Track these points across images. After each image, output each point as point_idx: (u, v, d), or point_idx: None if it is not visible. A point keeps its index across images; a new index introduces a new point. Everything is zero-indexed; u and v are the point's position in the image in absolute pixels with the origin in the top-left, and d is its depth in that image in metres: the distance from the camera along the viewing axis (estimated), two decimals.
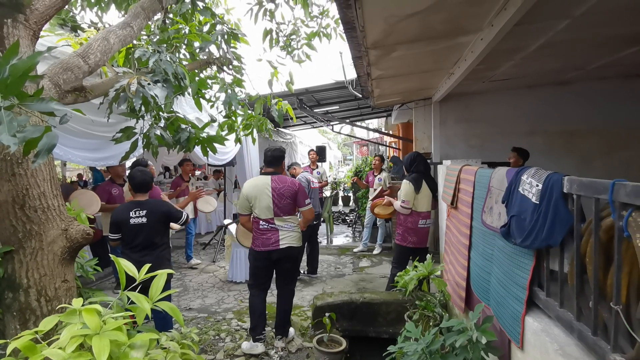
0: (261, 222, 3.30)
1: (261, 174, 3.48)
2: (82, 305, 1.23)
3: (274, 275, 3.48)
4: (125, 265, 1.40)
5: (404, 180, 4.05)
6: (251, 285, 3.48)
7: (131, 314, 1.38)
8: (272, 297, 3.70)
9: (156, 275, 1.48)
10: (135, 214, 3.03)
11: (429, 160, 4.85)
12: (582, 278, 1.44)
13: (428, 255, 3.22)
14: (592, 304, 1.34)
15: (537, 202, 1.62)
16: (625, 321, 1.17)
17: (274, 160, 3.43)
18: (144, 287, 1.50)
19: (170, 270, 1.61)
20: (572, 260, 1.49)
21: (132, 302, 1.37)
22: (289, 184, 3.33)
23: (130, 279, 1.41)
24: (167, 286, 2.63)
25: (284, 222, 3.31)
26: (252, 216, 3.39)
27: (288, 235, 3.31)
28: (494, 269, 2.13)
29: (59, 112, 1.31)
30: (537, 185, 1.64)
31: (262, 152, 3.55)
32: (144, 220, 3.03)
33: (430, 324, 2.71)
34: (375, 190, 6.30)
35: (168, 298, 2.25)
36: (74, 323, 1.19)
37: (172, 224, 3.35)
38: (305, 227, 3.54)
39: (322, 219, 5.95)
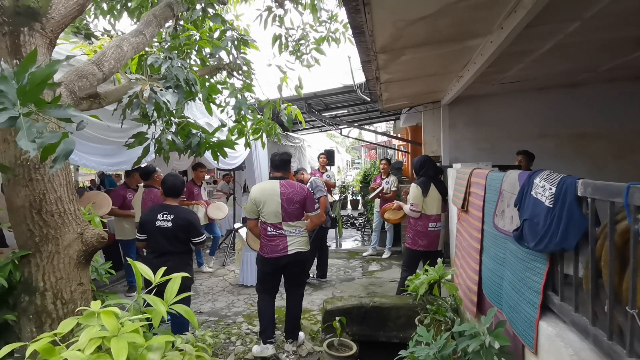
0: (269, 227, 3.27)
1: (270, 178, 3.46)
2: (100, 308, 1.25)
3: (282, 279, 3.47)
4: (142, 269, 1.42)
5: (412, 184, 4.07)
6: (259, 290, 3.47)
7: (147, 316, 1.40)
8: (281, 300, 3.71)
9: (171, 278, 1.50)
10: (162, 216, 3.09)
11: (438, 164, 4.84)
12: (597, 282, 1.42)
13: (439, 259, 3.20)
14: (608, 308, 1.33)
15: (551, 206, 1.60)
16: None
17: (282, 165, 3.41)
18: (160, 291, 1.52)
19: (184, 274, 1.63)
20: (587, 264, 1.47)
21: (148, 305, 1.39)
22: (298, 189, 3.31)
23: (147, 282, 1.43)
24: (187, 290, 2.62)
25: (292, 228, 3.28)
26: (259, 221, 3.38)
27: (296, 241, 3.29)
28: (507, 273, 2.11)
29: (76, 119, 1.34)
30: (551, 189, 1.62)
31: (271, 156, 3.55)
32: (170, 224, 3.08)
33: (442, 328, 2.69)
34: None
35: (186, 301, 2.27)
36: (93, 325, 1.21)
37: None
38: (312, 229, 3.50)
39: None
